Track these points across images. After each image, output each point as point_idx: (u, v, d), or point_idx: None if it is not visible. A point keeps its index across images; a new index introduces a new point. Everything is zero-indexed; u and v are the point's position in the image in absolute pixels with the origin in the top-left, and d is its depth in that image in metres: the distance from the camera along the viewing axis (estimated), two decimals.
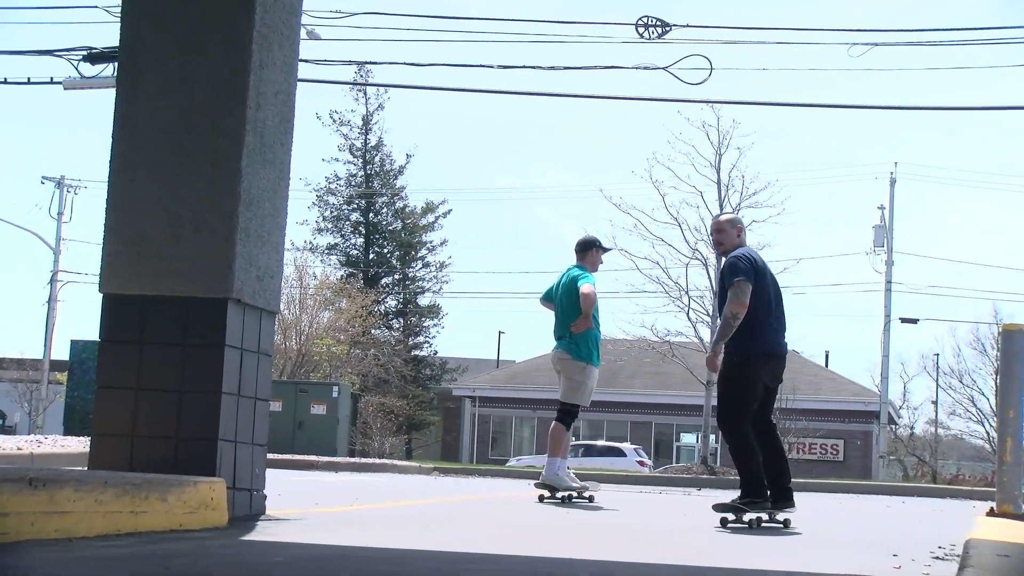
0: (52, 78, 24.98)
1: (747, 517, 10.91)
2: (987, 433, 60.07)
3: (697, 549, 8.91)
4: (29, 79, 26.33)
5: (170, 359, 8.83)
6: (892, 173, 53.66)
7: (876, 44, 24.70)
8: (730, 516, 10.94)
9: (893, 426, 56.82)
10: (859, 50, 24.15)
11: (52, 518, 6.69)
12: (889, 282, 50.59)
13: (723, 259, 12.26)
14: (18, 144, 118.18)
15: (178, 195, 8.89)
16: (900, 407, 63.23)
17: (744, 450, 11.29)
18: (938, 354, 79.48)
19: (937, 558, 8.03)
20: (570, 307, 14.88)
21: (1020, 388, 11.38)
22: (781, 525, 11.19)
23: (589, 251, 15.36)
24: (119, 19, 9.53)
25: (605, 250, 15.56)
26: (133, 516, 7.43)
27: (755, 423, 11.52)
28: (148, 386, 8.82)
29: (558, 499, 14.52)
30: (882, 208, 51.91)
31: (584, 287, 14.64)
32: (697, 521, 11.86)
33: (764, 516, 11.10)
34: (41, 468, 7.20)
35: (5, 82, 25.61)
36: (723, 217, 13.82)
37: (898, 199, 53.34)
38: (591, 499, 15.17)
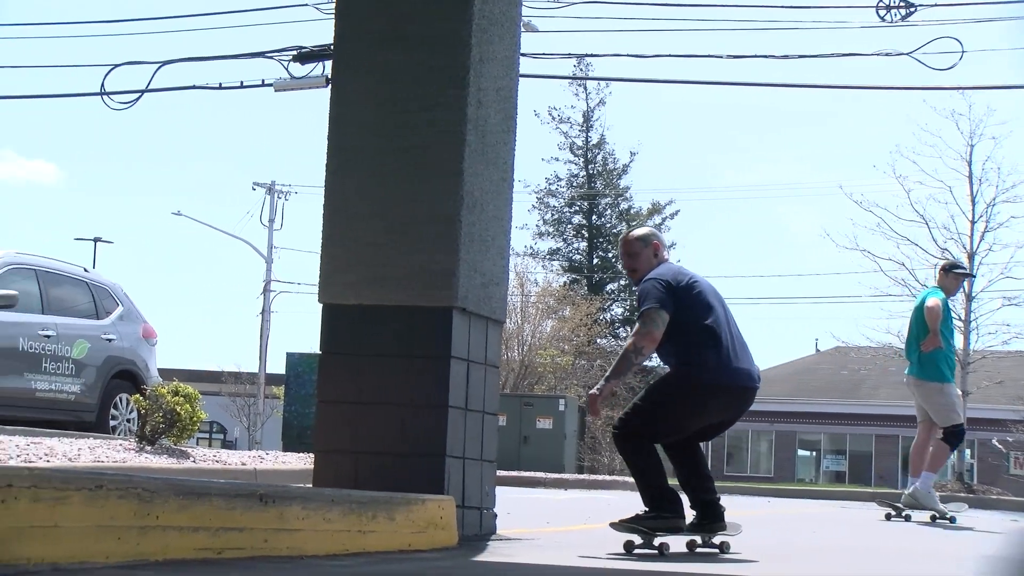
0: (263, 80, 25.39)
1: (657, 540, 8.91)
2: None
3: None
4: (242, 83, 26.84)
5: (393, 371, 8.89)
6: None
7: None
8: (636, 539, 8.91)
9: None
10: None
11: (282, 535, 6.81)
12: None
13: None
14: (231, 150, 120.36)
15: (397, 199, 8.94)
16: None
17: (647, 460, 9.45)
18: None
19: None
20: (919, 326, 15.09)
21: None
22: (717, 550, 9.42)
23: (948, 273, 15.53)
24: (332, 15, 9.62)
25: (964, 275, 15.48)
26: (360, 535, 7.50)
27: (680, 443, 9.86)
28: (371, 400, 8.89)
29: (927, 519, 14.78)
30: None
31: (930, 301, 14.80)
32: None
33: (698, 539, 9.46)
34: (268, 485, 7.32)
35: (220, 87, 26.10)
36: (634, 234, 10.32)
37: None
38: (952, 520, 15.15)
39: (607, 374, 9.43)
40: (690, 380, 9.44)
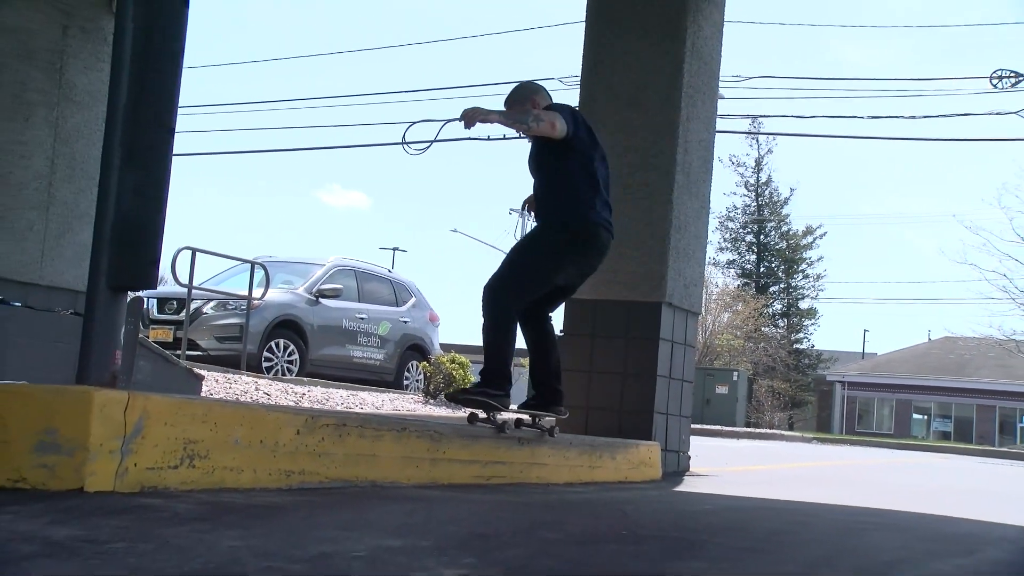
0: (519, 134, 25.36)
1: (501, 417, 7.11)
2: None
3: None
4: (504, 135, 26.90)
5: (616, 349, 8.99)
6: None
7: None
8: (480, 413, 7.15)
9: None
10: None
11: (534, 468, 6.92)
12: None
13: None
14: (492, 183, 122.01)
15: (621, 222, 8.90)
16: None
17: (504, 333, 7.17)
18: None
19: None
20: None
21: None
22: (547, 432, 7.47)
23: None
24: (578, 85, 9.66)
25: None
26: (590, 470, 7.58)
27: (531, 318, 7.46)
28: (599, 370, 9.01)
29: None
30: None
31: None
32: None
33: (526, 418, 7.49)
34: (523, 431, 7.33)
35: (488, 138, 26.19)
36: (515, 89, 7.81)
37: None
38: None
39: (499, 111, 7.17)
40: (567, 222, 7.13)
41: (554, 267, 7.09)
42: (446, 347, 20.66)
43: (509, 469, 6.65)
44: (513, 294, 7.12)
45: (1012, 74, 23.58)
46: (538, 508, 5.48)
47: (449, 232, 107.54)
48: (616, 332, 9.02)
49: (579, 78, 9.60)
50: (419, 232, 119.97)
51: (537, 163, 7.39)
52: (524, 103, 7.22)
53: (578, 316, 9.12)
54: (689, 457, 9.64)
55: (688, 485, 8.27)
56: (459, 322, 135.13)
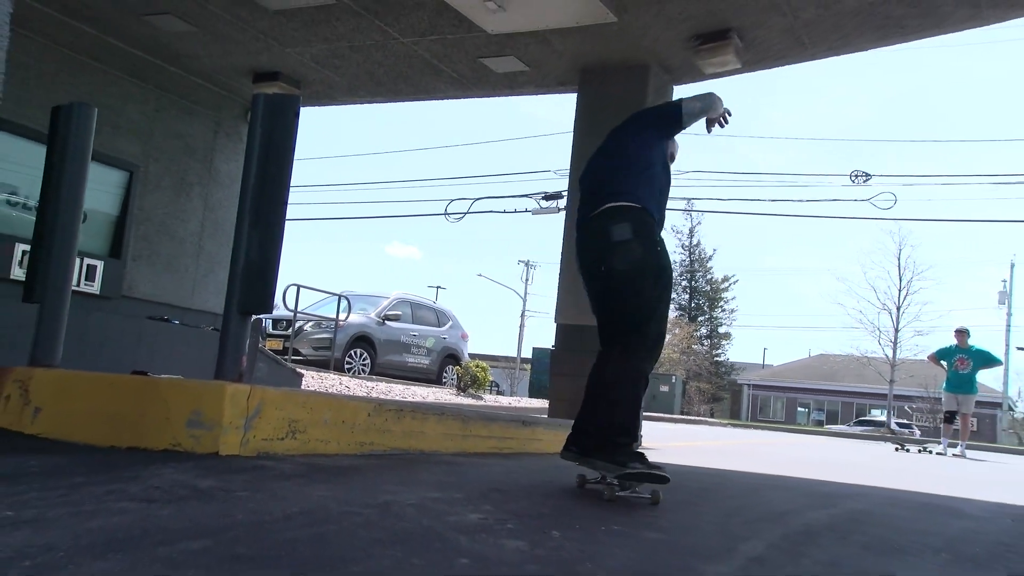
0: (527, 208, 25.60)
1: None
2: None
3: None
4: (515, 209, 27.13)
5: (592, 359, 8.86)
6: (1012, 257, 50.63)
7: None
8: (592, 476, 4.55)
9: (1011, 411, 52.70)
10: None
11: (533, 442, 6.84)
12: (1008, 327, 46.64)
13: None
14: (508, 244, 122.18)
15: None
16: (1016, 400, 58.45)
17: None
18: None
19: None
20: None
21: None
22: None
23: (955, 333, 15.10)
24: (566, 178, 9.64)
25: (957, 331, 15.21)
26: None
27: None
28: (580, 374, 8.83)
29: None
30: (1004, 281, 48.34)
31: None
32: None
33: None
34: (526, 415, 7.28)
35: (503, 212, 26.50)
36: None
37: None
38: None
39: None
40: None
41: None
42: (472, 356, 20.74)
43: (516, 443, 6.60)
44: None
45: (864, 174, 24.30)
46: (537, 471, 5.45)
47: (476, 276, 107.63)
48: (591, 348, 8.91)
49: (568, 170, 9.60)
50: (456, 275, 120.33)
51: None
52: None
53: (565, 336, 9.06)
54: (641, 436, 9.53)
55: None
56: (480, 339, 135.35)
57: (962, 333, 14.87)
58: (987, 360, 14.85)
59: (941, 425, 15.73)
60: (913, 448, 16.15)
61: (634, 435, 4.03)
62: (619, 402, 4.24)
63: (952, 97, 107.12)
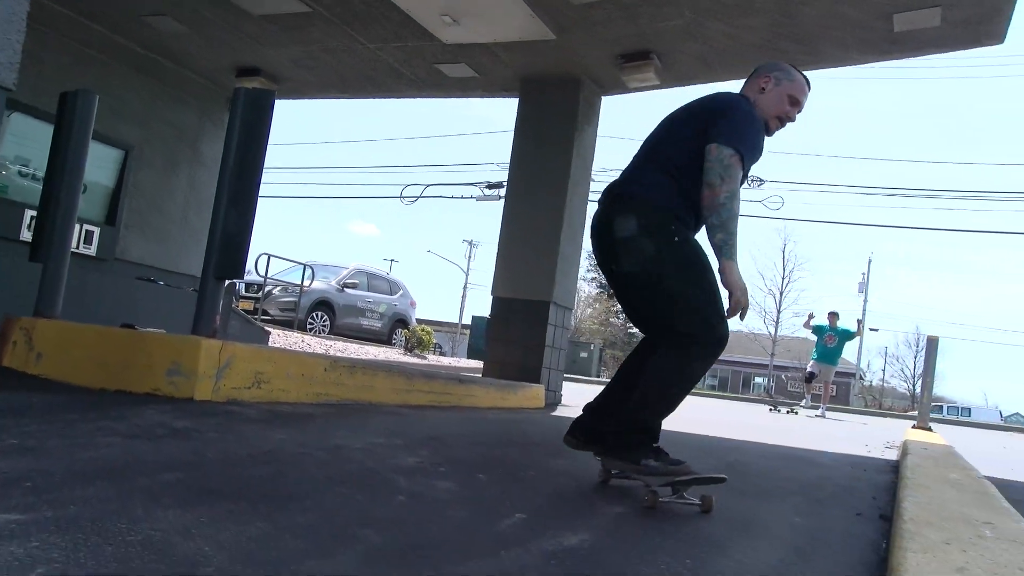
0: (472, 195, 25.46)
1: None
2: (910, 387, 56.67)
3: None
4: (462, 196, 27.00)
5: (522, 327, 8.87)
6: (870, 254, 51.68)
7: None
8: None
9: (862, 379, 54.06)
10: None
11: (468, 398, 6.83)
12: (864, 311, 47.81)
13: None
14: (455, 225, 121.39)
15: (531, 255, 8.92)
16: (865, 371, 59.82)
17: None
18: (887, 346, 77.23)
19: (888, 447, 7.52)
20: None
21: (932, 367, 10.65)
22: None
23: (828, 315, 15.37)
24: (507, 170, 9.62)
25: (830, 313, 15.54)
26: (503, 399, 7.51)
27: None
28: (512, 340, 8.88)
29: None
30: (863, 273, 49.48)
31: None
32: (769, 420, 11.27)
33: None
34: (464, 375, 7.31)
35: (452, 197, 26.38)
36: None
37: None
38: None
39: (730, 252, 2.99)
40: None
41: None
42: (419, 321, 20.67)
43: (454, 398, 6.60)
44: None
45: (758, 179, 24.28)
46: (470, 422, 5.48)
47: (426, 251, 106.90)
48: (523, 318, 8.92)
49: (508, 164, 9.59)
50: (408, 250, 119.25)
51: None
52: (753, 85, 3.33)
53: (500, 307, 9.07)
54: (561, 395, 9.58)
55: (560, 412, 8.21)
56: (427, 306, 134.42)
57: (834, 315, 15.26)
58: (848, 337, 15.26)
59: (804, 385, 16.28)
60: (783, 409, 16.49)
61: (656, 435, 3.11)
62: (662, 403, 3.07)
63: (830, 120, 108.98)
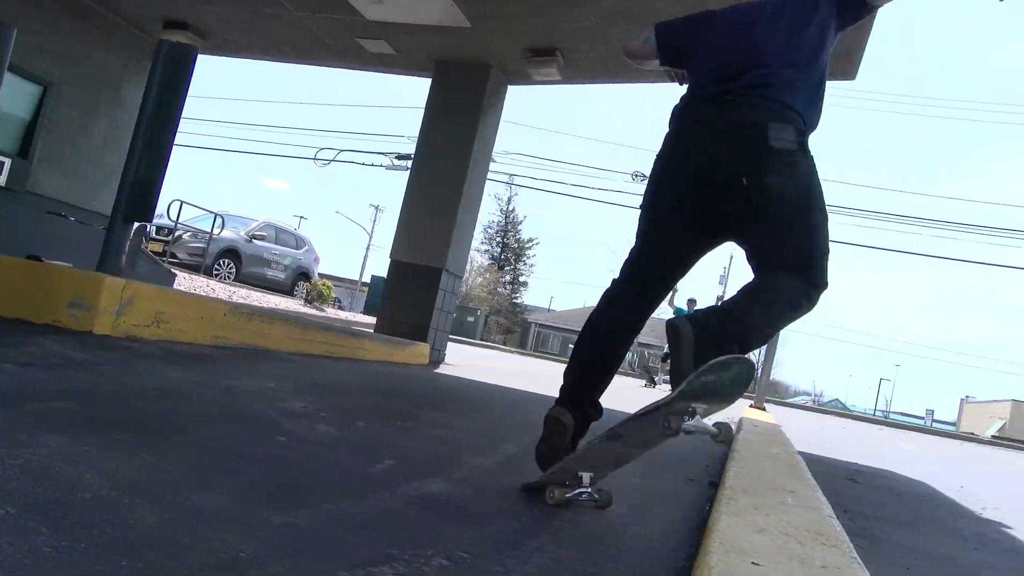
0: (382, 164, 25.06)
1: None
2: (757, 372, 59.14)
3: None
4: (372, 164, 26.55)
5: (415, 290, 8.84)
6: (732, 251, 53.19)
7: None
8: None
9: None
10: None
11: (360, 351, 6.79)
12: (720, 299, 49.19)
13: None
14: (364, 189, 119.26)
15: (429, 224, 8.88)
16: None
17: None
18: None
19: (728, 422, 7.83)
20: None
21: (772, 355, 11.14)
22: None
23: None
24: (415, 143, 9.54)
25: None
26: (392, 354, 7.48)
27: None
28: (404, 301, 8.85)
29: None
30: (724, 267, 51.05)
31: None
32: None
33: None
34: (358, 329, 7.24)
35: (363, 164, 25.78)
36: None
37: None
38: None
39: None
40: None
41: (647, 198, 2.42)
42: (322, 275, 20.37)
43: (346, 350, 6.55)
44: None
45: (642, 174, 24.53)
46: (357, 373, 5.45)
47: (334, 212, 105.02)
48: (419, 282, 8.84)
49: (417, 139, 9.51)
50: (317, 209, 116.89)
51: None
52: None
53: (397, 270, 9.01)
54: (445, 354, 9.60)
55: (442, 369, 8.22)
56: (332, 263, 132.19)
57: (692, 302, 15.85)
58: None
59: (659, 363, 16.72)
60: (667, 387, 16.97)
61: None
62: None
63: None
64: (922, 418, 47.48)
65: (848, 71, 7.69)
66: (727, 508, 2.03)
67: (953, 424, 43.87)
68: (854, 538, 2.86)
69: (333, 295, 18.77)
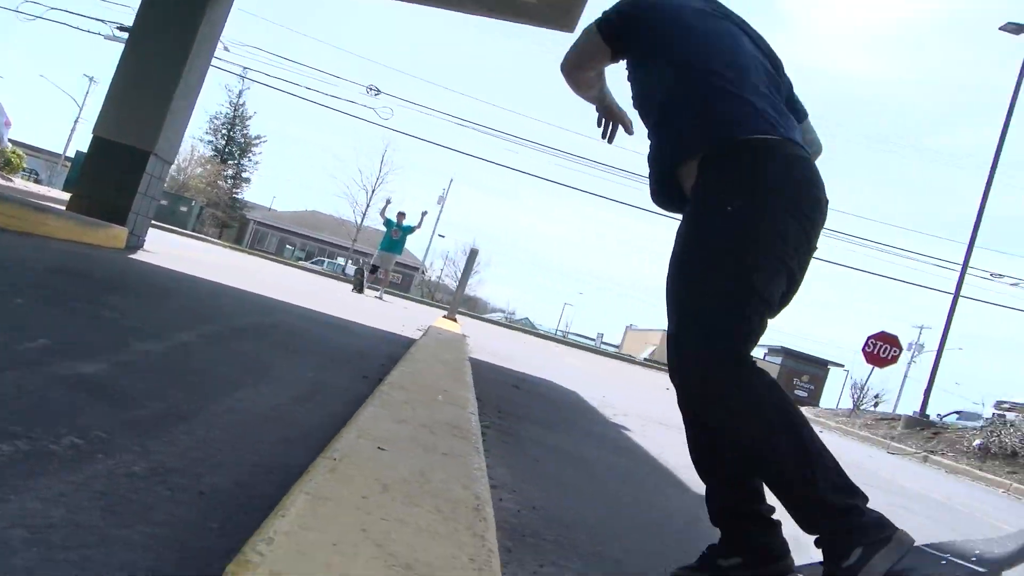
0: (101, 32, 22.21)
1: None
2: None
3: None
4: (89, 30, 23.47)
5: (118, 171, 8.05)
6: (452, 175, 54.28)
7: None
8: None
9: (423, 274, 57.40)
10: None
11: (46, 227, 6.09)
12: (438, 218, 50.63)
13: None
14: (75, 58, 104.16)
15: (140, 102, 8.08)
16: (428, 266, 63.43)
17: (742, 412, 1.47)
18: (448, 251, 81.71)
19: (419, 330, 8.07)
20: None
21: (469, 271, 11.61)
22: None
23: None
24: (134, 13, 8.56)
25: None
26: (82, 234, 6.78)
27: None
28: (105, 181, 8.05)
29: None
30: (444, 188, 52.04)
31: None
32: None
33: None
34: (42, 203, 6.45)
35: (79, 29, 22.66)
36: None
37: None
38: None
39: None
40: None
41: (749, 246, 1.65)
42: (16, 143, 17.80)
43: (26, 224, 5.82)
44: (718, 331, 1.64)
45: (375, 88, 24.08)
46: (37, 249, 4.88)
47: (39, 76, 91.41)
48: (121, 164, 7.95)
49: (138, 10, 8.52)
50: (17, 69, 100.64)
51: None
52: None
53: (100, 148, 8.09)
54: (144, 240, 8.84)
55: (139, 256, 7.55)
56: (31, 131, 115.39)
57: (402, 215, 16.18)
58: (409, 231, 16.30)
59: (367, 274, 16.60)
60: (372, 293, 16.85)
61: None
62: None
63: (458, 64, 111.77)
64: (594, 339, 52.41)
65: (567, 24, 8.06)
66: (378, 401, 2.13)
67: (617, 347, 48.97)
68: (500, 435, 3.13)
69: (25, 165, 16.51)
